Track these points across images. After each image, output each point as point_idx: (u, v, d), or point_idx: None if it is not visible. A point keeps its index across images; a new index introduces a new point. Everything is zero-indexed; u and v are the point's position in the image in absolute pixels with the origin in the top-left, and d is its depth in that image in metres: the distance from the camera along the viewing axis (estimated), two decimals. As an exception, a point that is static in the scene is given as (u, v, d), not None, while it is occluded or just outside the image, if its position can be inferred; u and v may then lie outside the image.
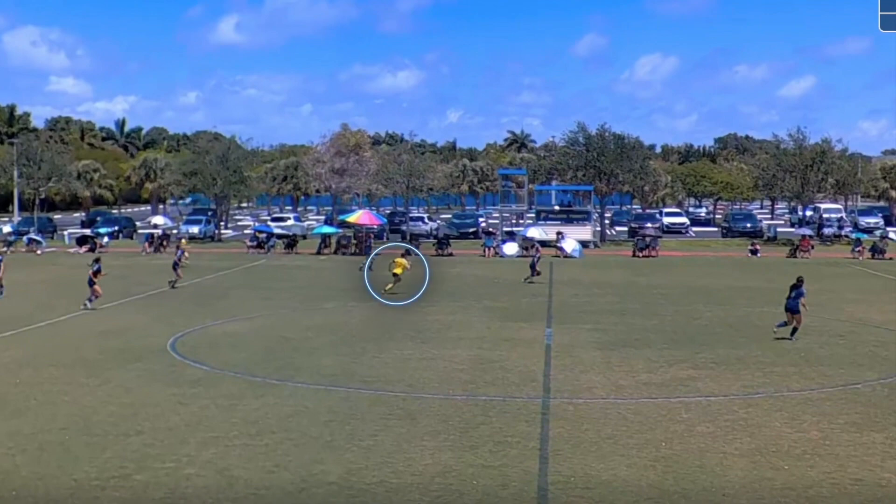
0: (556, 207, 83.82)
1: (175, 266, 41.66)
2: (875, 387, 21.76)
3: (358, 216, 66.75)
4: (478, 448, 16.47)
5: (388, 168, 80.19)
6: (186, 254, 45.30)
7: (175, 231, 74.24)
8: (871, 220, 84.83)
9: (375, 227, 69.57)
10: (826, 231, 76.63)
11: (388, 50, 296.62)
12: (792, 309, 28.29)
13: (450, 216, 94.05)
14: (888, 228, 77.81)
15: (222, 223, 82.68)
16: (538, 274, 45.38)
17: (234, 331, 29.53)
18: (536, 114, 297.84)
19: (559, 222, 71.62)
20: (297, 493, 14.25)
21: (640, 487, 14.58)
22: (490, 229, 75.01)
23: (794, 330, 28.12)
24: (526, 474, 15.10)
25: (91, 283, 33.78)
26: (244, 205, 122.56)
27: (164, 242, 64.56)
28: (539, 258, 47.23)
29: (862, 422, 18.42)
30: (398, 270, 39.53)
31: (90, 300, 33.46)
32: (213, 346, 26.58)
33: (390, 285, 38.90)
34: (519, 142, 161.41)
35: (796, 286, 28.47)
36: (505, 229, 74.60)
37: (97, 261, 35.25)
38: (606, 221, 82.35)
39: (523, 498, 14.16)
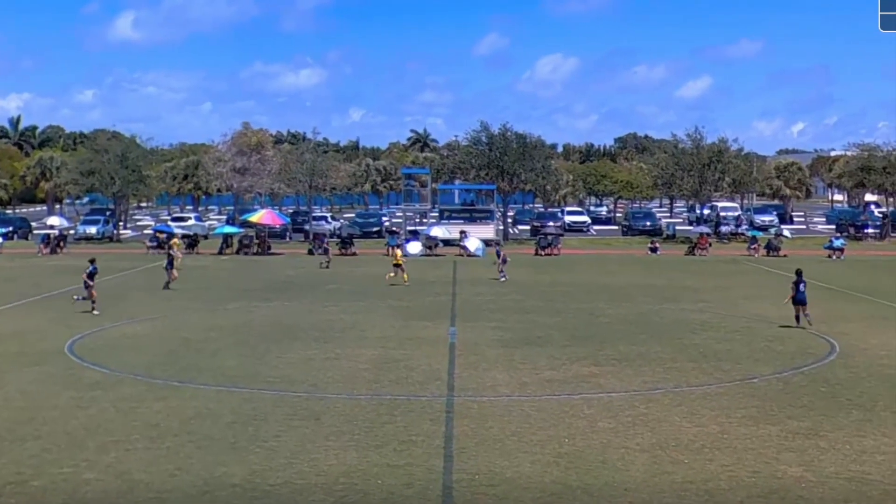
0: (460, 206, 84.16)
1: (169, 266, 41.21)
2: (770, 381, 22.26)
3: (260, 216, 66.20)
4: (382, 447, 16.46)
5: (291, 167, 79.57)
6: (180, 253, 44.67)
7: (72, 232, 72.77)
8: (766, 219, 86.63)
9: (278, 226, 69.06)
10: (723, 229, 78.08)
11: (290, 48, 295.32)
12: (802, 302, 29.75)
13: (353, 215, 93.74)
14: (782, 226, 79.64)
15: (121, 223, 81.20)
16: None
17: (134, 332, 29.06)
18: (439, 113, 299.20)
19: (462, 221, 71.81)
20: (200, 496, 14.09)
21: (543, 483, 14.71)
22: (394, 228, 74.99)
23: (802, 317, 29.73)
24: (431, 472, 15.13)
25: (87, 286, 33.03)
26: (144, 204, 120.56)
27: (61, 243, 63.24)
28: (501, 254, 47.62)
29: (758, 415, 18.83)
30: (399, 261, 43.75)
31: (93, 302, 32.81)
32: (113, 349, 26.12)
33: (392, 275, 42.39)
34: (422, 141, 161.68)
35: (800, 280, 29.98)
36: (409, 228, 74.63)
37: (92, 261, 34.24)
38: (509, 220, 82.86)
39: (428, 496, 14.19)
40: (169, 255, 43.31)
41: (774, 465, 15.58)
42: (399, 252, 46.63)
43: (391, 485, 14.57)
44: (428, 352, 25.71)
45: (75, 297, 33.49)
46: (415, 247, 62.75)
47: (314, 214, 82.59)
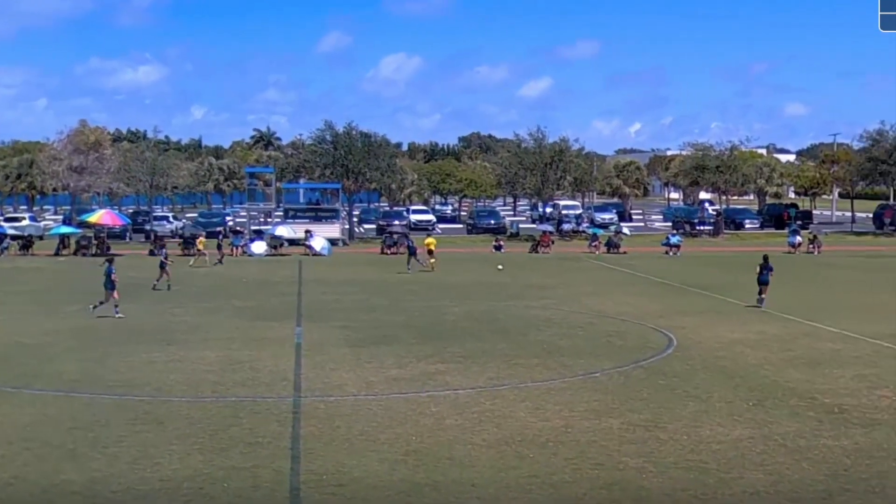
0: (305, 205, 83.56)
1: (162, 265, 40.33)
2: (612, 375, 22.78)
3: (99, 216, 64.47)
4: (228, 450, 16.22)
5: (131, 166, 77.75)
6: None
7: None
8: (606, 216, 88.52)
9: (117, 226, 67.38)
10: (565, 227, 79.51)
11: (128, 44, 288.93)
12: (765, 282, 34.60)
13: (196, 215, 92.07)
14: (622, 224, 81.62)
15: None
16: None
17: (-35, 338, 27.92)
18: (283, 111, 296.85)
19: (308, 220, 71.32)
20: (38, 505, 13.65)
21: (391, 482, 14.74)
22: (238, 228, 73.99)
23: (761, 299, 34.38)
24: (278, 474, 14.99)
25: (111, 287, 31.99)
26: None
27: None
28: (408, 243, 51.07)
29: (600, 409, 19.26)
30: (432, 248, 49.82)
31: (115, 305, 31.89)
32: (-58, 355, 25.06)
33: (433, 261, 48.68)
34: (266, 139, 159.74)
35: (765, 264, 34.99)
36: (253, 228, 73.74)
37: (111, 262, 33.29)
38: (355, 219, 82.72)
39: (275, 498, 14.06)
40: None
41: (616, 457, 15.96)
42: (432, 239, 52.58)
43: (237, 488, 14.38)
44: (274, 352, 25.47)
45: (91, 305, 32.35)
46: (259, 246, 62.06)
47: (155, 214, 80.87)
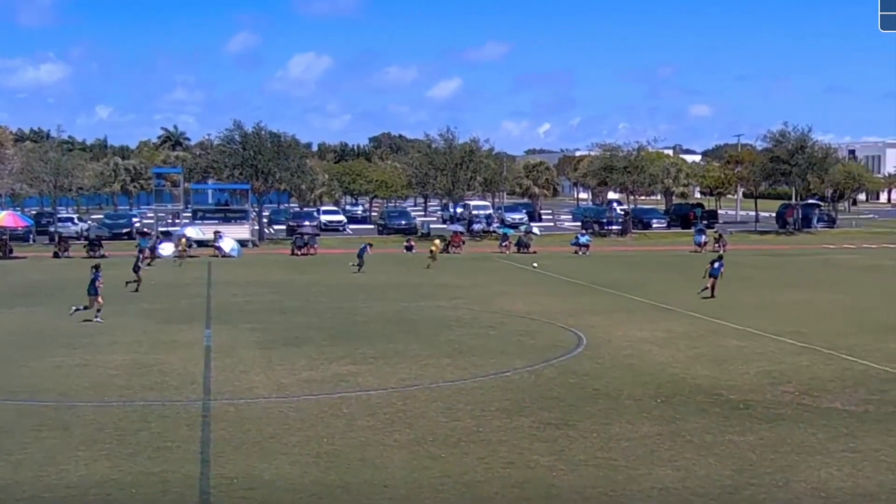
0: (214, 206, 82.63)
1: (136, 269, 39.81)
2: (523, 374, 22.95)
3: (1, 218, 62.96)
4: (136, 455, 15.99)
5: (34, 166, 76.00)
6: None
7: None
8: (516, 216, 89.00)
9: (20, 228, 65.89)
10: (476, 227, 79.80)
11: (30, 43, 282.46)
12: (714, 275, 37.93)
13: (102, 216, 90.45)
14: (532, 224, 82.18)
15: None
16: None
17: None
18: (191, 111, 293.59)
19: (217, 221, 70.59)
20: (-62, 515, 13.31)
21: (303, 484, 14.67)
22: (145, 230, 72.88)
23: (713, 291, 37.45)
24: (187, 479, 14.83)
25: (94, 292, 31.41)
26: None
27: None
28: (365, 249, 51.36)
29: (511, 408, 19.38)
30: (435, 248, 54.11)
31: (98, 311, 30.99)
32: None
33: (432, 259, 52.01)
34: (173, 140, 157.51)
35: (718, 260, 39.33)
36: (161, 229, 72.70)
37: (97, 269, 32.44)
38: (264, 220, 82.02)
39: (185, 503, 13.90)
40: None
41: (527, 456, 16.08)
42: (437, 241, 56.92)
43: (146, 493, 14.18)
44: (183, 355, 25.16)
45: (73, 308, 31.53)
46: (167, 248, 61.16)
47: (60, 216, 79.24)
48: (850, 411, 19.20)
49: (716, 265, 38.39)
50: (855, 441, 16.98)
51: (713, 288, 37.58)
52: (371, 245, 53.86)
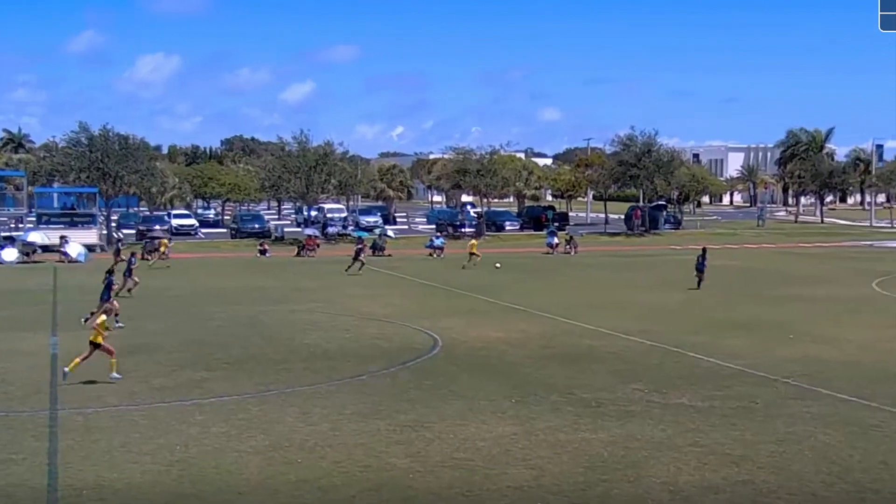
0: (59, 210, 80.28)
1: (129, 273, 38.23)
2: (379, 377, 22.96)
3: None
4: (-21, 468, 15.43)
5: None
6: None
7: None
8: (371, 219, 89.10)
9: None
10: (331, 230, 79.54)
11: None
12: (700, 270, 41.97)
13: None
14: (387, 227, 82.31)
15: None
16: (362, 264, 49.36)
17: None
18: (34, 112, 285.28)
19: (63, 226, 68.56)
20: None
21: (155, 493, 14.39)
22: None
23: (699, 283, 41.65)
24: (35, 492, 14.37)
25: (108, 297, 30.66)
26: None
27: None
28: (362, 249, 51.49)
29: (368, 411, 19.37)
30: (475, 250, 54.17)
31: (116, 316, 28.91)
32: None
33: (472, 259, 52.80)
34: (16, 142, 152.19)
35: (703, 255, 42.51)
36: (3, 234, 70.22)
37: (111, 273, 31.65)
38: (113, 224, 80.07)
39: (32, 517, 13.49)
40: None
41: (384, 458, 16.09)
42: (475, 241, 57.92)
43: (-10, 508, 13.70)
44: (28, 364, 24.39)
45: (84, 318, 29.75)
46: (10, 254, 59.13)
47: None
48: (696, 407, 19.79)
49: (702, 261, 42.27)
50: (701, 436, 17.51)
51: (699, 281, 41.79)
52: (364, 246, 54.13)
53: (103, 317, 23.16)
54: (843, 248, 67.39)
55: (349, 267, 48.82)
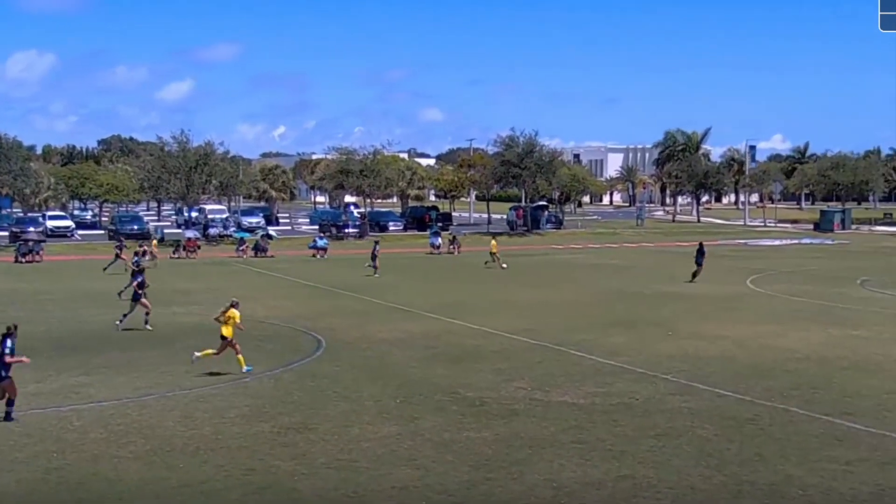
0: None
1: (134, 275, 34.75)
2: (262, 379, 22.77)
3: None
4: None
5: None
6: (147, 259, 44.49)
7: None
8: (253, 220, 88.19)
9: None
10: (212, 231, 78.49)
11: None
12: (699, 263, 44.52)
13: None
14: (269, 227, 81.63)
15: None
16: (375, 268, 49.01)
17: None
18: None
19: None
20: None
21: (32, 502, 14.05)
22: None
23: (693, 276, 44.44)
24: None
25: (137, 298, 30.78)
26: None
27: None
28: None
29: (251, 414, 19.19)
30: (495, 250, 53.71)
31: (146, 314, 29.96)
32: None
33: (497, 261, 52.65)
34: None
35: (701, 250, 45.05)
36: None
37: (141, 272, 31.01)
38: (-15, 226, 77.81)
39: None
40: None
41: (268, 461, 15.96)
42: (495, 241, 56.46)
43: None
44: None
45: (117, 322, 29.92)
46: None
47: None
48: (578, 404, 20.08)
49: (699, 255, 44.82)
50: (584, 432, 17.77)
51: (694, 274, 44.45)
52: (378, 243, 53.89)
53: (235, 311, 23.75)
54: (718, 246, 69.08)
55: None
